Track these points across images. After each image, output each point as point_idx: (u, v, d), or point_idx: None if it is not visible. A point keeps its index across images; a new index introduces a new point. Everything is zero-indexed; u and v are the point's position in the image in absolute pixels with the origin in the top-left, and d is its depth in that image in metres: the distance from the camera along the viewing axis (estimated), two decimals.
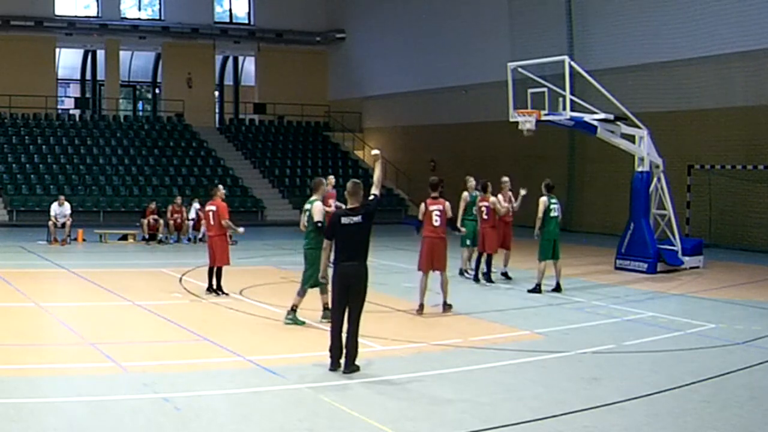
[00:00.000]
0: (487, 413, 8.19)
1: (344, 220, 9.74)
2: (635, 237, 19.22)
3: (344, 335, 9.61)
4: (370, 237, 9.83)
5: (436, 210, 13.58)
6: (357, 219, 9.72)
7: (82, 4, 39.11)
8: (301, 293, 12.36)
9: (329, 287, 10.42)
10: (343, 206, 10.76)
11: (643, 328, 12.70)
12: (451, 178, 21.05)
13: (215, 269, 15.05)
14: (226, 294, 14.86)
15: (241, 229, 15.66)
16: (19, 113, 36.42)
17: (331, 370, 9.59)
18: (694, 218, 25.28)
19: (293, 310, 12.36)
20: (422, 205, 13.88)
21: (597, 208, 29.12)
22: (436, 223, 13.56)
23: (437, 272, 13.70)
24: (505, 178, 17.83)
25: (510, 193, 17.79)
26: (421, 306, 13.57)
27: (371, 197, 10.01)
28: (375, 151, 11.03)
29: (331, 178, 19.01)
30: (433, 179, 14.13)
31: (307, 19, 41.74)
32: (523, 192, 17.48)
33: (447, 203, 13.81)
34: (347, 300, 9.59)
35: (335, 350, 9.64)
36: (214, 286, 15.00)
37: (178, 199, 25.95)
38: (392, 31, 38.47)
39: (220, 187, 15.86)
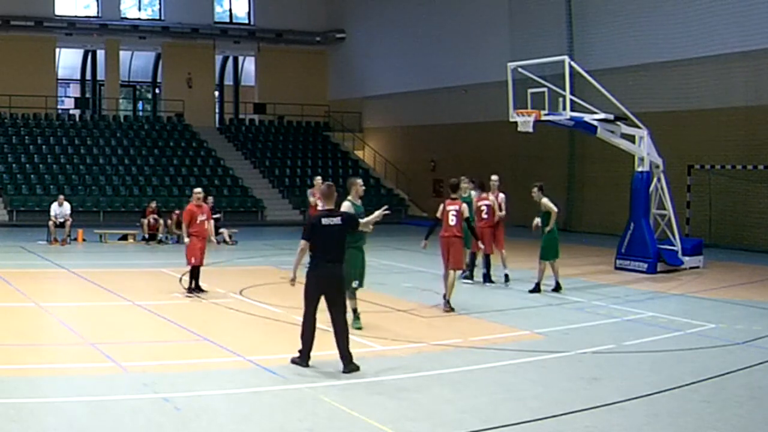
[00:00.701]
0: (487, 413, 8.19)
1: (324, 221, 9.83)
2: (635, 237, 19.21)
3: (315, 334, 9.73)
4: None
5: (452, 210, 13.96)
6: (337, 220, 9.86)
7: (82, 4, 39.11)
8: (351, 295, 11.71)
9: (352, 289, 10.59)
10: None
11: (643, 328, 12.69)
12: (450, 178, 20.98)
13: (195, 269, 15.10)
14: (204, 291, 14.90)
15: (186, 240, 15.19)
16: (19, 113, 36.43)
17: (304, 366, 9.65)
18: (694, 218, 25.28)
19: (354, 311, 11.97)
20: (441, 205, 14.25)
21: (597, 208, 29.10)
22: (452, 223, 13.89)
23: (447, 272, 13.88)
24: (495, 177, 17.71)
25: (499, 192, 17.49)
26: (445, 296, 13.86)
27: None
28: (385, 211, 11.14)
29: (318, 179, 18.77)
30: (454, 180, 14.48)
31: (307, 19, 41.75)
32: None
33: (464, 205, 14.21)
34: (319, 300, 9.69)
35: (308, 348, 9.72)
36: (192, 285, 15.04)
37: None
38: (392, 31, 38.46)
39: (196, 190, 15.66)
